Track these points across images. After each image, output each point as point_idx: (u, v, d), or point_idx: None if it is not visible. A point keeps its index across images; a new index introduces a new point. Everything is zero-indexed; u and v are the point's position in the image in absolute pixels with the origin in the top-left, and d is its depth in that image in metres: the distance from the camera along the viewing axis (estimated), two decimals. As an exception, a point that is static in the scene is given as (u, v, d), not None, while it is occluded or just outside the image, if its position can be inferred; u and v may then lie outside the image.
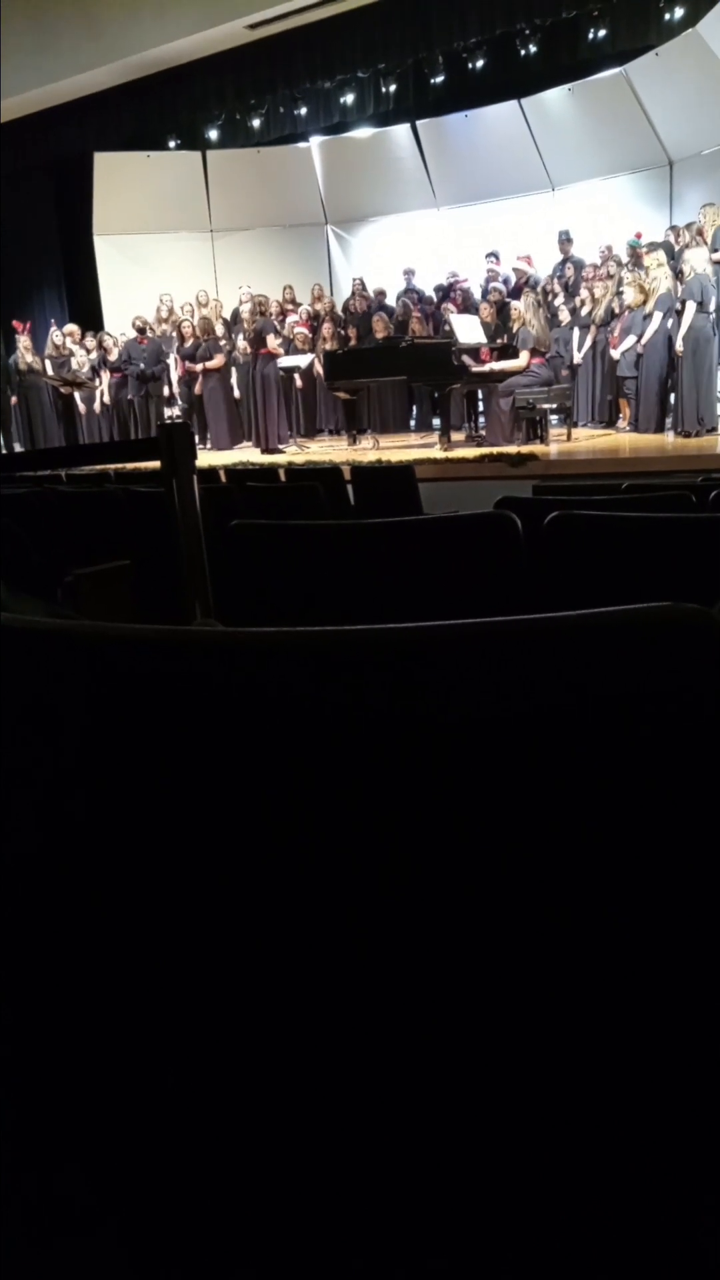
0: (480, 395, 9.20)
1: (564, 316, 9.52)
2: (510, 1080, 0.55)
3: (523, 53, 10.61)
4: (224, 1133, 0.60)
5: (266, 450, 9.70)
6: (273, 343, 10.02)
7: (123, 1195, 0.63)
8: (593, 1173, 0.55)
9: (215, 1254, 0.60)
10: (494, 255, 11.03)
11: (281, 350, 10.12)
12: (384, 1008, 0.55)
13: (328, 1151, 0.58)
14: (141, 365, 10.81)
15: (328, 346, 10.32)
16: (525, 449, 7.70)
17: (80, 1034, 0.62)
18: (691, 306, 7.67)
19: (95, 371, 11.15)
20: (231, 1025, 0.58)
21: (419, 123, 12.35)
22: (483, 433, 8.86)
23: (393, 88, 11.58)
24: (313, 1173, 0.58)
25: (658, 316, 8.06)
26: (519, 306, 8.47)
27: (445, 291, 11.01)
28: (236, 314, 10.99)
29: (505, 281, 10.28)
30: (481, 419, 9.22)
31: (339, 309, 11.39)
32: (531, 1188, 0.56)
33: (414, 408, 10.87)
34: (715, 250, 8.15)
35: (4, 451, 10.44)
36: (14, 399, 10.98)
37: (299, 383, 10.60)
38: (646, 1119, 0.55)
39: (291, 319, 10.83)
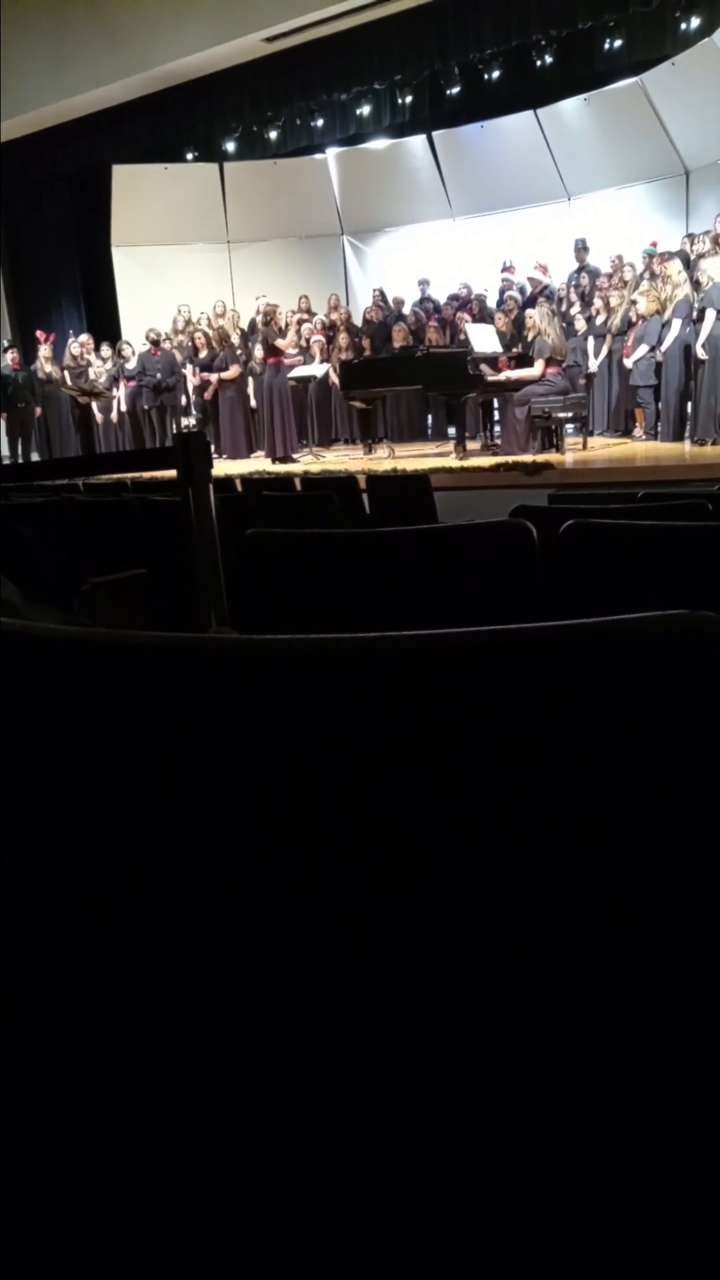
0: (495, 404, 9.21)
1: (580, 325, 9.51)
2: (512, 1083, 0.55)
3: (538, 63, 10.62)
4: (226, 1134, 0.60)
5: (276, 460, 9.72)
6: (279, 344, 10.00)
7: (124, 1197, 0.63)
8: (594, 1174, 0.55)
9: (217, 1255, 0.60)
10: (509, 265, 11.05)
11: (288, 359, 10.10)
12: (388, 1012, 0.55)
13: (330, 1154, 0.58)
14: (157, 376, 10.87)
15: (343, 356, 10.35)
16: (541, 458, 7.69)
17: (83, 1036, 0.62)
18: (712, 314, 7.64)
19: (115, 381, 11.22)
20: (235, 1028, 0.58)
21: (435, 134, 12.39)
22: (498, 442, 8.86)
23: (408, 99, 11.62)
24: (315, 1175, 0.58)
25: (676, 324, 8.04)
26: (534, 316, 8.47)
27: (462, 301, 11.03)
28: (254, 324, 11.05)
29: (521, 291, 10.29)
30: (497, 428, 9.22)
31: (355, 319, 11.43)
32: (533, 1189, 0.56)
33: (429, 417, 10.89)
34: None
35: (22, 461, 10.50)
36: (38, 410, 11.07)
37: (315, 391, 10.63)
38: (648, 1121, 0.54)
39: (306, 328, 10.87)
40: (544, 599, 1.83)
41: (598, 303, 9.45)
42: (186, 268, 12.87)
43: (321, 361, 10.48)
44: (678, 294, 8.11)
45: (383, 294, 11.60)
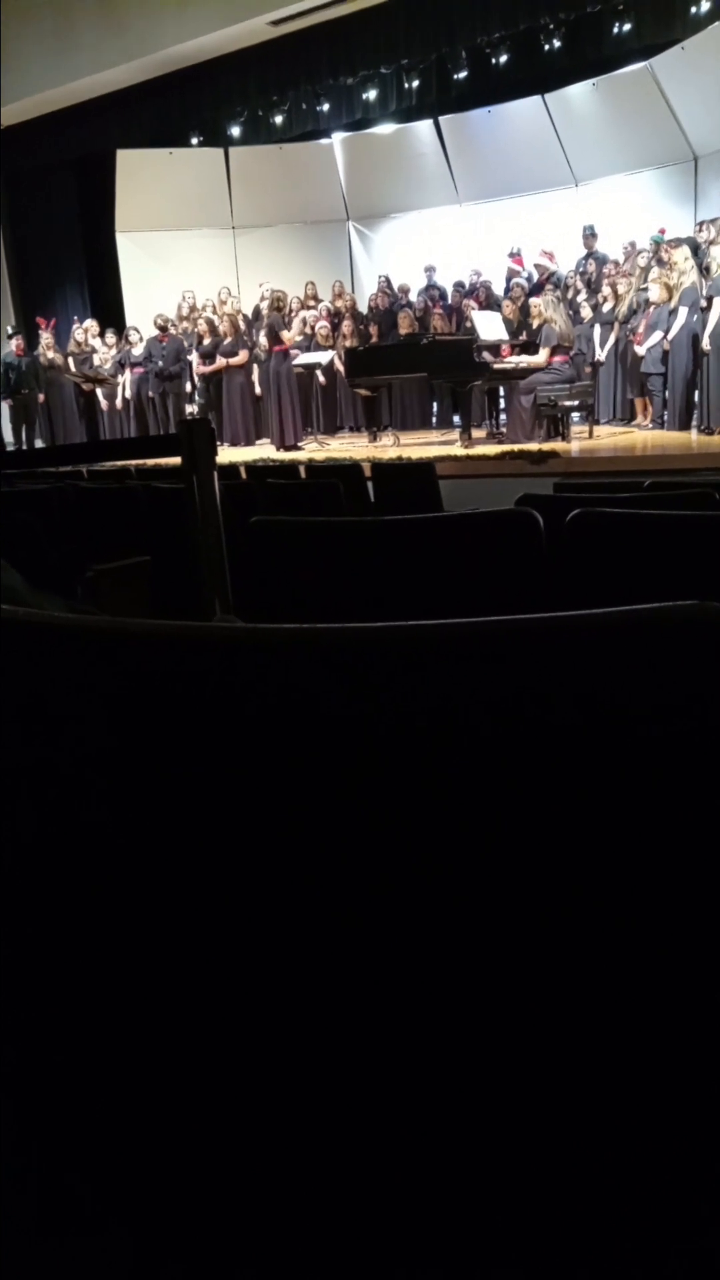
0: (501, 392, 9.17)
1: (585, 313, 9.46)
2: (510, 1079, 0.55)
3: (546, 47, 10.55)
4: (226, 1133, 0.60)
5: (281, 447, 9.70)
6: (284, 337, 9.98)
7: (125, 1194, 0.63)
8: (594, 1174, 0.55)
9: (218, 1252, 0.60)
10: (516, 252, 10.99)
11: (297, 347, 10.08)
12: (389, 1006, 0.55)
13: (331, 1152, 0.58)
14: (160, 363, 10.84)
15: (348, 343, 10.32)
16: (546, 446, 7.66)
17: (85, 1030, 0.62)
18: (717, 303, 7.60)
19: (121, 367, 11.19)
20: (237, 1021, 0.58)
21: (442, 118, 12.29)
22: (503, 430, 8.82)
23: (415, 83, 11.54)
24: (316, 1172, 0.58)
25: (683, 312, 8.00)
26: (539, 303, 8.43)
27: (468, 288, 10.98)
28: (258, 310, 11.01)
29: (528, 278, 10.23)
30: (502, 416, 9.19)
31: (360, 306, 11.38)
32: (532, 1190, 0.56)
33: (434, 405, 10.85)
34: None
35: (26, 447, 10.50)
36: (42, 396, 11.05)
37: (320, 380, 10.60)
38: (647, 1120, 0.54)
39: (312, 314, 10.83)
40: (550, 588, 1.83)
41: (605, 290, 9.39)
42: (191, 253, 12.81)
43: (327, 349, 10.44)
44: (685, 281, 8.05)
45: (388, 280, 11.55)
